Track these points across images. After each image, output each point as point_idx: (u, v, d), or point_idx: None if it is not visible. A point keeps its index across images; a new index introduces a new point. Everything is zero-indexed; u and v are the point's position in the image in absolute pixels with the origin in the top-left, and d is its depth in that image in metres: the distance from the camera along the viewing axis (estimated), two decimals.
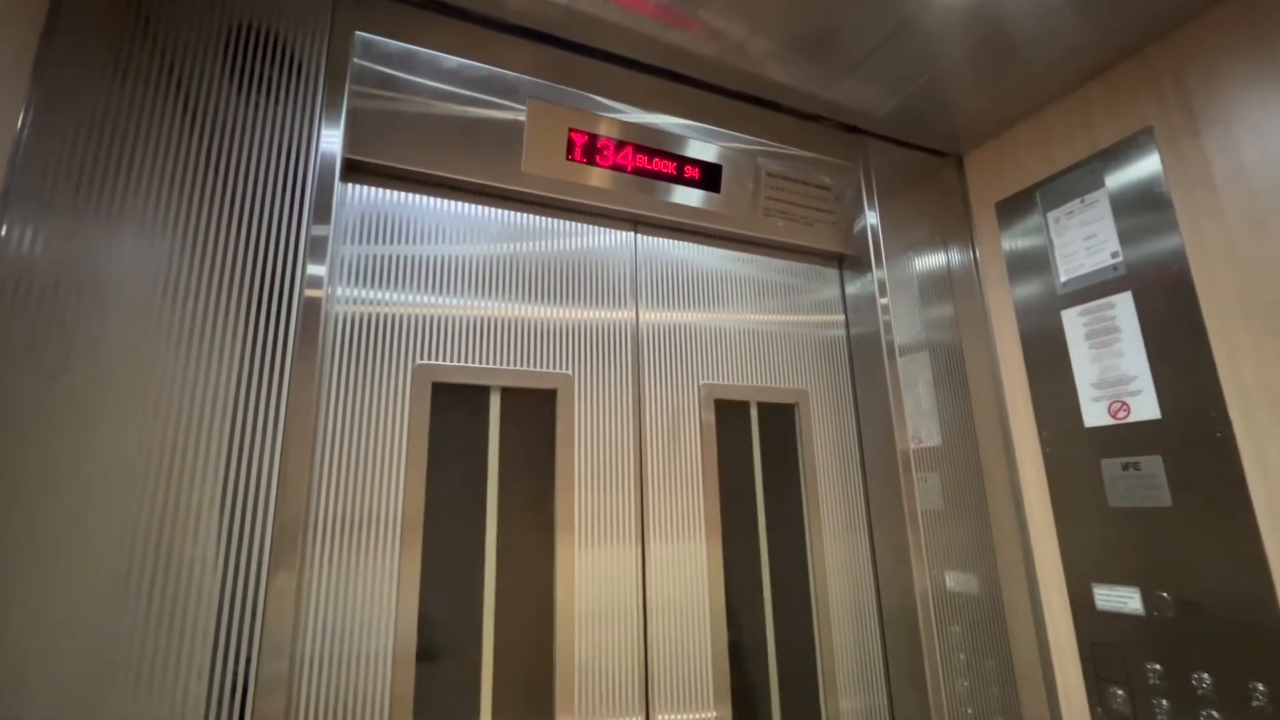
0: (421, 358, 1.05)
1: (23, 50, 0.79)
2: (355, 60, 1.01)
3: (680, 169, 1.26)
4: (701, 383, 1.27)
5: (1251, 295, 1.02)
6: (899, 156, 1.50)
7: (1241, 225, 1.04)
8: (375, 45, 1.03)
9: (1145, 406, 1.14)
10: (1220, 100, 1.08)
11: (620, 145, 1.20)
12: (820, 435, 1.37)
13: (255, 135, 0.91)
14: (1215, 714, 1.01)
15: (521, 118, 1.13)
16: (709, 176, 1.29)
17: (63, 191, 0.79)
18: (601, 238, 1.25)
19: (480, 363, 1.09)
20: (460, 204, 1.14)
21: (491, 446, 1.09)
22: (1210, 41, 1.10)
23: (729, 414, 1.30)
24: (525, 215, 1.19)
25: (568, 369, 1.15)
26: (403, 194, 1.10)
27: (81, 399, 0.75)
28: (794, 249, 1.43)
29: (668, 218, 1.27)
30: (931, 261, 1.46)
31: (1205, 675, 1.03)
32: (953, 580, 1.27)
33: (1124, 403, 1.17)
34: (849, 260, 1.48)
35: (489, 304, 1.12)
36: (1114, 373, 1.19)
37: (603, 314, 1.21)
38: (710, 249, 1.36)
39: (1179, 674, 1.06)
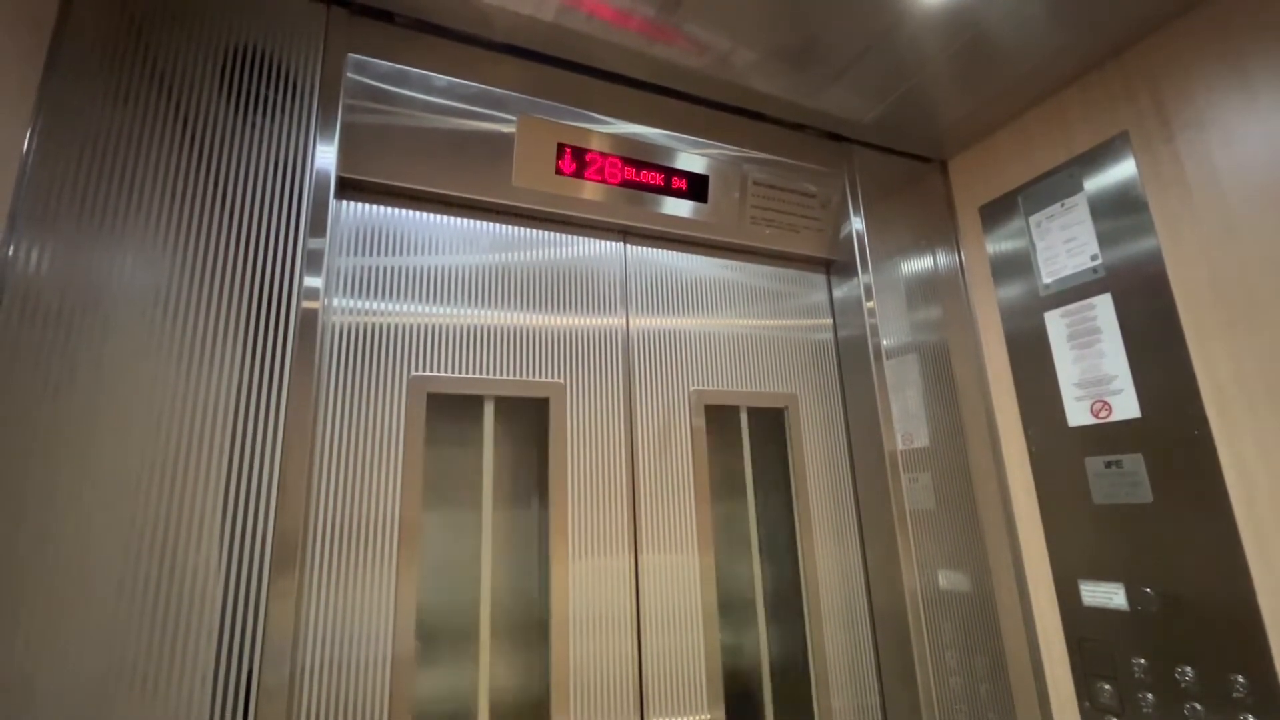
0: (417, 368, 1.08)
1: (28, 76, 0.82)
2: (348, 79, 1.03)
3: (668, 180, 1.28)
4: (692, 388, 1.29)
5: (1225, 295, 1.05)
6: (883, 163, 1.53)
7: (1215, 227, 1.07)
8: (368, 65, 1.05)
9: (1126, 405, 1.16)
10: (1193, 105, 1.11)
11: (608, 158, 1.23)
12: (810, 438, 1.39)
13: (252, 153, 0.94)
14: (1198, 706, 1.03)
15: (511, 131, 1.15)
16: (696, 187, 1.31)
17: (67, 213, 0.82)
18: (591, 248, 1.28)
19: (474, 373, 1.12)
20: (453, 217, 1.17)
21: (486, 454, 1.11)
22: (1182, 48, 1.13)
23: (719, 418, 1.33)
24: (517, 228, 1.22)
25: (560, 377, 1.18)
26: (396, 209, 1.13)
27: (85, 413, 0.78)
28: (781, 255, 1.46)
29: (656, 228, 1.29)
30: (917, 265, 1.48)
31: (1188, 668, 1.05)
32: (943, 579, 1.29)
33: (1106, 402, 1.19)
34: (836, 265, 1.50)
35: (482, 314, 1.15)
36: (1095, 373, 1.22)
37: (594, 322, 1.24)
38: (699, 257, 1.38)
39: (1163, 667, 1.08)
